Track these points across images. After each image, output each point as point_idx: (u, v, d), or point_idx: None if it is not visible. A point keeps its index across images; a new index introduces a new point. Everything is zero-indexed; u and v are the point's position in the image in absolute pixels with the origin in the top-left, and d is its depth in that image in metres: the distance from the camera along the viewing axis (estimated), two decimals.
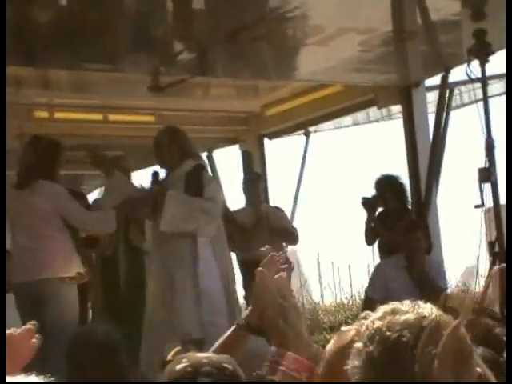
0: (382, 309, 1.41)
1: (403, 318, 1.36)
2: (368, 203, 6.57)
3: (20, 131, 7.01)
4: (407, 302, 1.42)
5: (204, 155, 8.64)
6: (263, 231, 6.72)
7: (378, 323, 1.37)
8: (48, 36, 5.18)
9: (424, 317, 1.37)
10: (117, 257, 6.20)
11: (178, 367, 1.91)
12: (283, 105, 7.85)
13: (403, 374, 1.33)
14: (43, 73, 6.28)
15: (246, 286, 6.82)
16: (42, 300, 5.08)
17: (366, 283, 6.84)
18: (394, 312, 1.38)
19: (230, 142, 8.48)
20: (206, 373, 1.88)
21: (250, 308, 2.37)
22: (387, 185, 6.54)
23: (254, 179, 7.19)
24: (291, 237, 6.95)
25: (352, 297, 13.35)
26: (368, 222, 6.58)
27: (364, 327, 1.40)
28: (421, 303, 1.40)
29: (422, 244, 6.04)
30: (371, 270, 7.38)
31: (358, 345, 1.39)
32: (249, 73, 6.74)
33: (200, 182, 5.56)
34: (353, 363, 1.38)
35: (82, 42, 5.30)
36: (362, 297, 11.78)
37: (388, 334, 1.35)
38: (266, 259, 2.42)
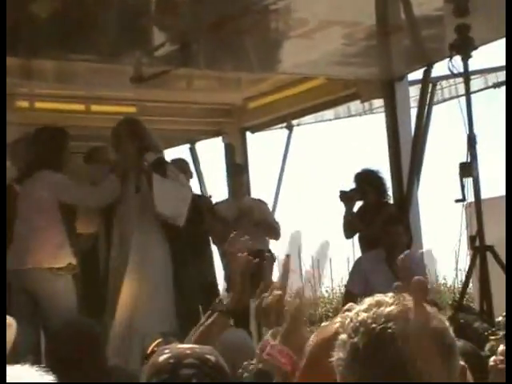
0: (367, 301, 1.41)
1: (388, 309, 1.36)
2: (346, 197, 6.60)
3: None
4: (391, 294, 1.41)
5: (186, 147, 8.63)
6: (246, 224, 6.71)
7: (363, 315, 1.37)
8: (31, 26, 5.14)
9: (409, 309, 1.37)
10: (97, 248, 6.17)
11: (161, 358, 1.90)
12: (266, 98, 7.84)
13: (388, 366, 1.33)
14: (25, 62, 6.23)
15: (227, 278, 6.83)
16: (33, 289, 5.12)
17: (346, 277, 6.87)
18: (379, 304, 1.38)
19: (213, 134, 8.46)
20: (188, 364, 1.88)
21: (229, 294, 2.39)
22: (366, 179, 6.57)
23: (238, 171, 7.18)
24: (273, 231, 6.96)
25: (332, 290, 13.40)
26: (346, 216, 6.60)
27: (348, 319, 1.40)
28: (406, 295, 1.40)
29: (402, 238, 6.07)
30: (351, 263, 7.41)
31: (343, 336, 1.38)
32: (232, 65, 6.73)
33: (165, 176, 5.54)
34: (337, 355, 1.38)
35: (64, 31, 5.26)
36: (343, 290, 11.83)
37: (373, 325, 1.35)
38: (230, 241, 2.44)
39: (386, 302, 1.39)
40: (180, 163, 7.07)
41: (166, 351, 1.93)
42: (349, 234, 6.65)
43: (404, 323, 1.35)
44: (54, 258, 5.28)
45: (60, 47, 5.56)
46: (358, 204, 6.74)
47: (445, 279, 13.58)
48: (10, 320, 2.09)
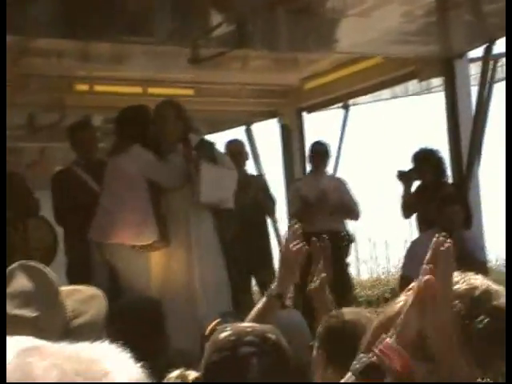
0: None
1: (454, 288, 1.35)
2: (403, 176, 6.54)
3: (60, 104, 7.06)
4: (457, 273, 1.40)
5: (242, 129, 8.64)
6: (324, 204, 6.72)
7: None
8: (88, 8, 5.18)
9: (475, 287, 1.35)
10: None
11: (222, 336, 1.91)
12: (322, 78, 7.78)
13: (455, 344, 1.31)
14: (83, 45, 6.29)
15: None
16: (112, 264, 5.19)
17: (402, 258, 6.80)
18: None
19: (269, 115, 8.44)
20: (248, 342, 1.88)
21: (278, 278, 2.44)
22: (425, 158, 6.50)
23: (318, 149, 7.14)
24: (352, 212, 6.93)
25: (389, 272, 13.31)
26: (404, 196, 6.54)
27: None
28: (471, 274, 1.38)
29: (458, 218, 5.97)
30: (408, 245, 7.34)
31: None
32: (288, 45, 6.68)
33: (213, 156, 5.53)
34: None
35: (122, 14, 5.30)
36: (399, 272, 11.74)
37: None
38: (288, 235, 2.49)
39: (454, 278, 1.37)
40: (236, 144, 7.09)
41: (227, 329, 1.94)
42: (407, 214, 6.60)
43: (470, 301, 1.33)
44: (138, 236, 5.30)
45: (117, 30, 5.60)
46: (416, 184, 6.67)
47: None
48: (95, 291, 2.11)
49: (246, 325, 1.99)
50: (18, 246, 5.71)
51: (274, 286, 2.44)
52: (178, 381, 1.96)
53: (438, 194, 6.25)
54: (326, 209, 6.71)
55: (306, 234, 7.48)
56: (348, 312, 2.51)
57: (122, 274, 5.21)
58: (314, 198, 6.79)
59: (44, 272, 2.02)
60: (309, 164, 7.26)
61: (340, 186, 7.03)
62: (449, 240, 1.39)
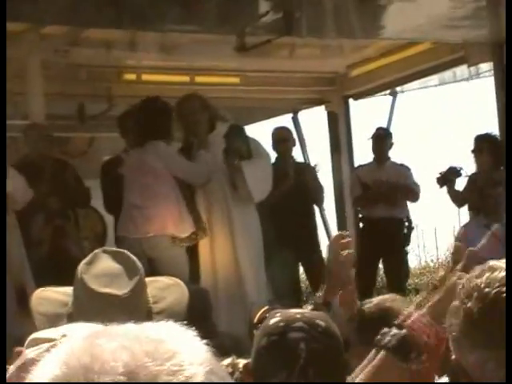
0: (479, 267, 1.40)
1: (502, 274, 1.35)
2: (442, 179, 6.45)
3: (109, 93, 7.14)
4: (504, 260, 1.40)
5: (289, 116, 8.63)
6: (386, 190, 6.71)
7: (476, 281, 1.36)
8: None
9: None
10: None
11: (272, 321, 1.93)
12: (369, 64, 7.72)
13: (502, 329, 1.31)
14: (131, 35, 6.35)
15: (361, 243, 6.76)
16: (152, 256, 5.20)
17: (451, 245, 6.75)
18: (492, 269, 1.37)
19: (316, 102, 8.42)
20: (297, 328, 1.89)
21: (324, 286, 2.35)
22: (481, 144, 6.38)
23: (381, 135, 7.11)
24: (413, 194, 6.91)
25: (438, 259, 13.18)
26: (449, 192, 6.47)
27: (460, 285, 1.38)
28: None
29: (501, 200, 5.89)
30: (456, 232, 7.27)
31: (455, 303, 1.38)
32: (334, 32, 6.63)
33: (246, 143, 5.55)
34: (449, 321, 1.38)
35: (168, 3, 5.32)
36: (448, 259, 11.61)
37: (487, 289, 1.34)
38: (333, 238, 2.38)
39: (500, 266, 1.37)
40: (282, 131, 7.08)
41: (277, 315, 1.96)
42: (458, 205, 6.54)
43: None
44: (177, 227, 5.31)
45: (164, 19, 5.63)
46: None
47: None
48: (175, 280, 2.13)
49: (296, 311, 2.00)
50: (70, 235, 5.78)
51: (320, 293, 2.40)
52: (229, 369, 1.98)
53: (492, 179, 6.16)
54: (384, 195, 6.69)
55: (367, 219, 7.48)
56: (382, 299, 2.51)
57: (162, 267, 5.21)
58: (373, 184, 6.78)
59: (128, 255, 2.05)
60: (372, 151, 7.18)
61: (402, 170, 7.00)
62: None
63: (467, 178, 6.52)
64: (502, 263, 1.39)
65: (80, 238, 5.99)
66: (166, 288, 2.05)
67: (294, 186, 6.63)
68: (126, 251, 2.08)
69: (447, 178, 6.46)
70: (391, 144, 7.06)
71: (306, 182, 6.85)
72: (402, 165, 7.12)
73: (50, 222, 5.70)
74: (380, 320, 2.28)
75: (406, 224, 6.87)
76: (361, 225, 7.11)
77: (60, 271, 2.07)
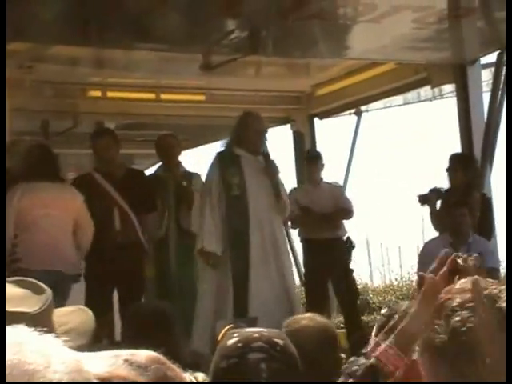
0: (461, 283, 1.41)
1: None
2: (423, 199, 6.50)
3: (74, 110, 7.10)
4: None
5: None
6: (323, 210, 6.74)
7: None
8: (102, 15, 5.21)
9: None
10: (168, 237, 6.26)
11: (230, 342, 1.91)
12: (334, 84, 7.79)
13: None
14: (97, 52, 6.33)
15: (306, 264, 6.88)
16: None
17: (415, 264, 6.80)
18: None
19: (281, 121, 8.45)
20: (257, 348, 1.88)
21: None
22: (454, 163, 6.44)
23: (314, 157, 7.15)
24: (349, 213, 6.95)
25: (402, 278, 13.27)
26: (431, 213, 6.52)
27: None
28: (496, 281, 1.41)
29: (466, 220, 5.98)
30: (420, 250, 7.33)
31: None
32: (300, 51, 6.70)
33: (275, 166, 5.83)
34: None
35: (135, 21, 5.32)
36: (412, 278, 11.69)
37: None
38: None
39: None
40: None
41: (235, 335, 1.94)
42: (436, 228, 6.57)
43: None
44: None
45: (130, 36, 5.63)
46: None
47: None
48: (78, 306, 2.15)
49: (254, 330, 1.98)
50: None
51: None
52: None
53: (462, 199, 6.22)
54: (322, 216, 6.72)
55: (307, 241, 7.50)
56: None
57: None
58: (311, 206, 6.80)
59: (31, 281, 2.04)
60: (305, 172, 7.24)
61: (336, 189, 7.05)
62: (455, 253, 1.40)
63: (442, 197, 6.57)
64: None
65: None
66: (68, 314, 2.05)
67: None
68: (27, 278, 2.08)
69: (428, 198, 6.50)
70: (323, 165, 7.10)
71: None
72: (335, 184, 7.16)
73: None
74: None
75: (347, 243, 6.91)
76: (302, 246, 7.10)
77: None
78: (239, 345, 1.89)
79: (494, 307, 1.33)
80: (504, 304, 1.34)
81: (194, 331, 5.47)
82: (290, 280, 5.77)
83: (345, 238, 6.91)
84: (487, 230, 6.34)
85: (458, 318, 1.32)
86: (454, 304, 1.34)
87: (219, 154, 5.95)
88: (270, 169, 5.73)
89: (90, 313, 2.09)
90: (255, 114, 6.01)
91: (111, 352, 1.02)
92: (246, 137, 5.74)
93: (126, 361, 0.98)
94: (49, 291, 2.02)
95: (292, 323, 2.67)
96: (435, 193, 6.49)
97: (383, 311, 2.33)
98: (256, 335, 1.92)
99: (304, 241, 6.99)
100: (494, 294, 1.35)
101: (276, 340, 1.91)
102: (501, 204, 7.25)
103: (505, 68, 6.46)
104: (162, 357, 1.06)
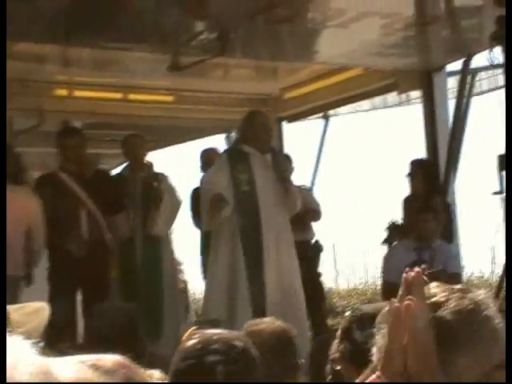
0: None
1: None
2: (391, 238, 6.55)
3: (39, 108, 7.04)
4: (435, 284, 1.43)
5: (222, 136, 8.65)
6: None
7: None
8: (69, 14, 5.18)
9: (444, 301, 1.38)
10: (134, 238, 6.22)
11: (189, 344, 1.91)
12: (302, 88, 7.81)
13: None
14: (64, 50, 6.28)
15: None
16: None
17: (380, 268, 6.83)
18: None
19: None
20: (214, 350, 1.88)
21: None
22: (415, 169, 6.48)
23: (283, 159, 7.15)
24: (317, 215, 6.98)
25: (366, 282, 13.34)
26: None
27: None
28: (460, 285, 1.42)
29: (431, 225, 6.05)
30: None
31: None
32: (268, 54, 6.71)
33: (284, 162, 6.08)
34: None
35: (102, 20, 5.30)
36: (377, 282, 11.76)
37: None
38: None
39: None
40: (211, 152, 7.06)
41: (196, 336, 1.94)
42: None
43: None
44: None
45: (98, 35, 5.59)
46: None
47: (481, 272, 13.44)
48: (42, 305, 2.13)
49: (214, 332, 1.97)
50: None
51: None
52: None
53: (426, 205, 6.28)
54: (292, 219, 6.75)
55: None
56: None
57: None
58: None
59: None
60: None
61: (303, 192, 7.08)
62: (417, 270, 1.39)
63: (402, 201, 6.62)
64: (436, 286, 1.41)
65: None
66: (32, 313, 2.04)
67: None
68: None
69: (393, 234, 6.55)
70: (292, 168, 7.12)
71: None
72: (300, 186, 7.19)
73: None
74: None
75: (315, 246, 6.93)
76: None
77: None
78: (198, 346, 1.89)
79: (435, 316, 1.34)
80: (446, 312, 1.35)
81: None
82: (297, 277, 5.78)
83: (313, 241, 6.93)
84: (448, 235, 6.42)
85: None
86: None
87: (227, 152, 5.98)
88: (277, 165, 5.73)
89: (46, 314, 2.08)
90: (262, 112, 6.10)
91: (77, 357, 1.03)
92: (254, 134, 5.78)
93: (92, 366, 0.99)
94: None
95: (251, 325, 2.68)
96: (395, 228, 6.53)
97: (347, 314, 2.35)
98: (215, 337, 1.92)
99: None
100: (439, 302, 1.37)
101: (235, 342, 1.91)
102: (465, 209, 7.34)
103: (505, 67, 6.54)
104: (128, 361, 1.06)
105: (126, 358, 1.07)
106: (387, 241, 6.53)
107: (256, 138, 5.78)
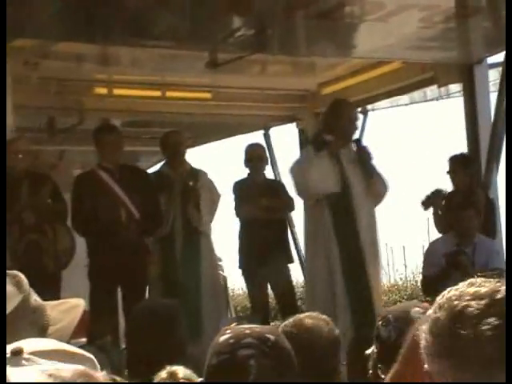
0: (463, 282, 1.42)
1: (475, 289, 1.36)
2: (425, 204, 6.49)
3: (79, 107, 7.10)
4: (491, 280, 1.41)
5: (261, 133, 8.65)
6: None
7: (451, 292, 1.39)
8: (107, 12, 5.21)
9: (498, 291, 1.35)
10: (174, 235, 6.24)
11: (221, 339, 1.91)
12: (340, 83, 7.76)
13: (464, 344, 1.32)
14: (102, 49, 6.32)
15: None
16: None
17: (420, 264, 6.78)
18: (470, 284, 1.40)
19: (287, 120, 8.44)
20: (247, 344, 1.86)
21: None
22: (458, 164, 6.42)
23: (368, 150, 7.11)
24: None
25: (406, 278, 13.26)
26: (434, 215, 6.51)
27: (440, 296, 1.41)
28: (495, 280, 1.39)
29: (473, 222, 6.00)
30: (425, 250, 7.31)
31: (430, 311, 1.41)
32: (306, 50, 6.68)
33: (368, 151, 5.93)
34: (422, 329, 1.40)
35: (140, 18, 5.32)
36: (416, 278, 11.67)
37: (456, 302, 1.36)
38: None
39: (479, 283, 1.39)
40: (256, 148, 7.06)
41: (228, 331, 1.93)
42: (439, 230, 6.55)
43: (487, 303, 1.34)
44: None
45: (136, 33, 5.62)
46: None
47: None
48: (79, 301, 2.16)
49: (246, 327, 1.96)
50: (45, 250, 5.70)
51: None
52: (168, 379, 1.95)
53: (468, 200, 6.21)
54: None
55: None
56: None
57: None
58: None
59: (20, 277, 2.04)
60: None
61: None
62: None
63: (445, 198, 6.56)
64: (484, 281, 1.40)
65: (58, 252, 5.89)
66: (67, 310, 2.05)
67: (267, 203, 6.61)
68: (18, 273, 2.08)
69: (432, 200, 6.49)
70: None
71: (279, 199, 6.81)
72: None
73: (24, 236, 5.62)
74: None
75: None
76: None
77: (34, 286, 2.06)
78: (230, 341, 1.88)
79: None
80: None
81: None
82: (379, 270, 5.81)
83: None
84: (491, 231, 6.34)
85: (487, 326, 1.32)
86: (476, 312, 1.34)
87: (311, 142, 6.00)
88: (362, 156, 5.68)
89: (78, 314, 2.09)
90: (347, 101, 6.04)
91: (38, 367, 1.04)
92: (339, 124, 5.72)
93: (50, 375, 1.00)
94: (27, 291, 2.02)
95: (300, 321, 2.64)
96: (437, 195, 6.47)
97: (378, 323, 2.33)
98: (247, 331, 1.91)
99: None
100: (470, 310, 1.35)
101: (267, 335, 1.89)
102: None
103: (505, 68, 6.46)
104: (89, 370, 1.07)
105: (88, 367, 1.09)
106: (424, 204, 6.48)
107: (340, 128, 5.69)
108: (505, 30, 6.08)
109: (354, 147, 5.76)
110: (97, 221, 5.65)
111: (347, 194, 5.66)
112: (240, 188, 6.78)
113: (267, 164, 7.11)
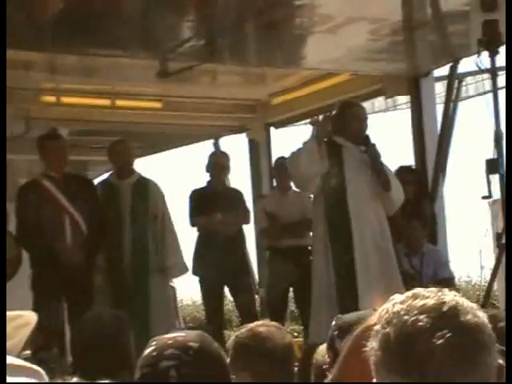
0: (406, 293, 1.42)
1: (422, 302, 1.37)
2: None
3: (27, 115, 7.01)
4: (433, 289, 1.42)
5: (210, 143, 8.65)
6: (294, 219, 6.70)
7: (398, 306, 1.38)
8: (56, 21, 5.16)
9: (443, 302, 1.36)
10: (121, 245, 6.18)
11: (146, 352, 1.89)
12: (290, 93, 7.81)
13: (417, 359, 1.32)
14: (51, 57, 6.26)
15: (271, 272, 6.85)
16: None
17: None
18: (414, 296, 1.39)
19: (237, 129, 8.45)
20: (168, 355, 1.84)
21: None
22: (404, 175, 6.48)
23: (284, 165, 7.11)
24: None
25: None
26: None
27: (385, 310, 1.40)
28: (446, 290, 1.40)
29: (418, 233, 6.10)
30: None
31: (377, 327, 1.40)
32: (256, 60, 6.72)
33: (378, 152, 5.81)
34: (371, 344, 1.39)
35: (90, 26, 5.28)
36: None
37: (405, 317, 1.35)
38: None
39: (422, 294, 1.39)
40: (222, 156, 7.02)
41: (153, 343, 1.91)
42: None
43: (437, 316, 1.35)
44: None
45: (85, 42, 5.58)
46: None
47: (469, 277, 13.48)
48: (32, 318, 2.11)
49: (169, 336, 1.92)
50: None
51: None
52: None
53: (416, 211, 6.28)
54: (291, 225, 6.69)
55: (273, 249, 7.46)
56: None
57: None
58: (280, 214, 6.76)
59: None
60: (274, 180, 7.25)
61: (305, 199, 7.03)
62: None
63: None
64: (426, 291, 1.40)
65: None
66: (19, 327, 2.02)
67: (221, 219, 6.57)
68: None
69: None
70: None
71: (235, 212, 6.77)
72: (302, 193, 7.15)
73: None
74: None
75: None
76: (268, 254, 7.08)
77: None
78: (153, 354, 1.86)
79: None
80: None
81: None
82: (397, 273, 5.55)
83: (309, 247, 6.90)
84: (435, 241, 6.46)
85: (441, 340, 1.32)
86: (427, 326, 1.34)
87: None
88: (372, 157, 5.58)
89: (28, 331, 2.05)
90: (356, 103, 5.96)
91: None
92: (349, 126, 5.65)
93: None
94: None
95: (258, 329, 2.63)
96: None
97: (333, 323, 2.34)
98: (170, 341, 1.88)
99: (270, 248, 6.95)
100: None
101: (190, 344, 1.86)
102: (453, 214, 7.36)
103: (469, 87, 6.58)
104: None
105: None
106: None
107: (350, 130, 5.63)
108: (450, 43, 6.22)
109: (362, 148, 5.66)
110: (41, 231, 5.57)
111: (343, 190, 5.53)
112: (197, 198, 6.72)
113: (229, 173, 7.08)
